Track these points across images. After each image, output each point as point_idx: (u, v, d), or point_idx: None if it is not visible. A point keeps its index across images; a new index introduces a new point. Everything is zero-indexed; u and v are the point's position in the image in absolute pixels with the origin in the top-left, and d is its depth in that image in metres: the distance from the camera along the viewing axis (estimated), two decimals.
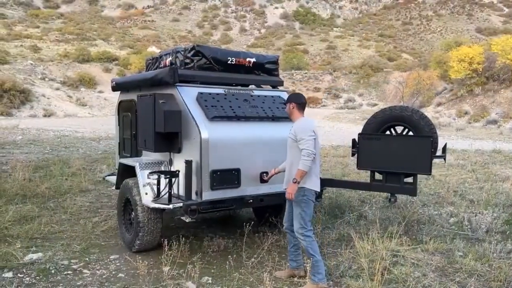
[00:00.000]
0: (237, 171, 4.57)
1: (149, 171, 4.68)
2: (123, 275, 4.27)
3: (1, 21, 72.27)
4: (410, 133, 5.11)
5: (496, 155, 12.58)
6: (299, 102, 4.13)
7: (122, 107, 6.04)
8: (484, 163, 11.19)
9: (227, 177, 4.50)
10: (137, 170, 4.72)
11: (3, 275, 4.19)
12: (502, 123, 25.46)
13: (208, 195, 4.38)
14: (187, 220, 4.43)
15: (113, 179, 5.84)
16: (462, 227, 5.79)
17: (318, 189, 4.04)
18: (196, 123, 4.44)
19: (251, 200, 4.66)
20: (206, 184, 4.36)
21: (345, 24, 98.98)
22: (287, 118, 4.59)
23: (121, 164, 5.27)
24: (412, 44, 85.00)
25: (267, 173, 4.65)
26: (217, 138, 4.46)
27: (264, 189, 4.80)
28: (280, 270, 4.33)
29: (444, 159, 5.19)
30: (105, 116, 32.40)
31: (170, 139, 4.64)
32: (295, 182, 3.87)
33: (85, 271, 4.36)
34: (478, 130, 23.75)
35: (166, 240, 4.49)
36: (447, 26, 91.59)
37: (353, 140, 5.18)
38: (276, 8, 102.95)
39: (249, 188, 4.69)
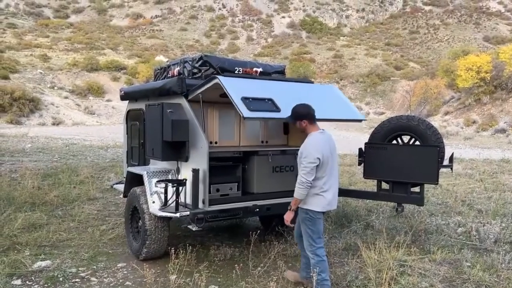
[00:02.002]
0: (270, 100, 4.27)
1: (157, 179, 4.72)
2: (130, 283, 4.29)
3: (11, 30, 73.39)
4: (417, 142, 5.11)
5: (504, 165, 12.49)
6: (310, 115, 3.80)
7: (131, 116, 6.11)
8: (492, 172, 11.11)
9: (262, 103, 4.17)
10: (145, 178, 4.75)
11: (12, 282, 4.24)
12: (510, 132, 25.26)
13: (248, 114, 3.91)
14: (194, 229, 4.44)
15: (121, 187, 5.89)
16: (470, 237, 5.74)
17: (323, 209, 3.77)
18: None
19: (257, 209, 4.67)
20: (243, 107, 3.95)
21: (352, 33, 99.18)
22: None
23: (129, 173, 5.31)
24: (419, 53, 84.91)
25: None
26: (232, 80, 4.35)
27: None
28: (291, 271, 4.31)
29: (451, 168, 5.17)
30: (113, 125, 32.63)
31: (177, 148, 4.68)
32: (289, 209, 3.79)
33: (92, 279, 4.39)
34: (486, 139, 23.59)
35: (173, 248, 4.51)
36: (454, 34, 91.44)
37: (360, 149, 5.19)
38: (283, 17, 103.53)
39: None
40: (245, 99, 4.02)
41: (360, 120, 4.89)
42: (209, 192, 4.49)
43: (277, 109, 4.15)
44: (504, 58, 29.24)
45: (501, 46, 49.31)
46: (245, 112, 3.87)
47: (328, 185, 3.78)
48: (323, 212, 3.83)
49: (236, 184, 4.91)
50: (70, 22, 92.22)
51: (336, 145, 3.94)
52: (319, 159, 3.63)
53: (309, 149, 3.67)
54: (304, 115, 3.79)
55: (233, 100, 3.97)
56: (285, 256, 4.99)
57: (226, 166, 4.96)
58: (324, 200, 3.76)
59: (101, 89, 44.45)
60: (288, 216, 3.81)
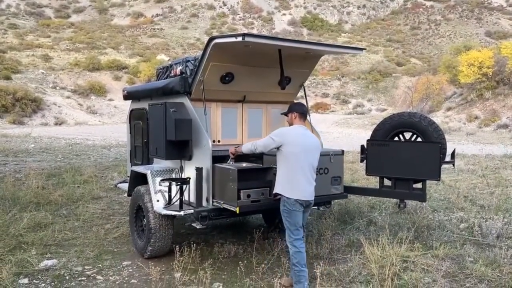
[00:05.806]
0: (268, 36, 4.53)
1: (161, 178, 4.76)
2: (136, 281, 4.34)
3: (13, 31, 73.51)
4: (419, 139, 5.14)
5: (507, 160, 12.48)
6: (301, 111, 4.11)
7: (134, 115, 6.14)
8: (495, 168, 11.11)
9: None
10: (149, 177, 4.80)
11: (19, 281, 4.29)
12: None
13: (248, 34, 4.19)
14: (198, 227, 4.49)
15: (125, 186, 5.93)
16: (472, 232, 5.77)
17: (300, 198, 3.84)
18: None
19: None
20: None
21: (353, 29, 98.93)
22: None
23: (133, 172, 5.35)
24: (421, 49, 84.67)
25: None
26: None
27: None
28: (287, 277, 4.29)
29: (453, 164, 5.19)
30: (115, 124, 32.71)
31: (181, 146, 4.71)
32: (236, 149, 4.40)
33: (98, 277, 4.44)
34: (489, 134, 23.54)
35: (177, 246, 4.55)
36: (456, 30, 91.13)
37: (362, 146, 5.21)
38: (284, 14, 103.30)
39: None
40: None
41: (361, 49, 5.28)
42: (239, 199, 4.22)
43: (278, 37, 4.28)
44: (506, 53, 29.11)
45: (503, 41, 49.10)
46: (244, 33, 4.04)
47: (303, 178, 3.88)
48: (301, 204, 3.87)
49: (268, 189, 4.46)
50: (71, 22, 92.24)
51: (318, 147, 4.08)
52: (281, 140, 3.87)
53: (279, 129, 4.05)
54: (296, 109, 4.12)
55: (235, 37, 4.12)
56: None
57: (257, 170, 4.67)
58: (298, 190, 3.86)
59: (103, 88, 44.54)
60: (232, 149, 4.44)
